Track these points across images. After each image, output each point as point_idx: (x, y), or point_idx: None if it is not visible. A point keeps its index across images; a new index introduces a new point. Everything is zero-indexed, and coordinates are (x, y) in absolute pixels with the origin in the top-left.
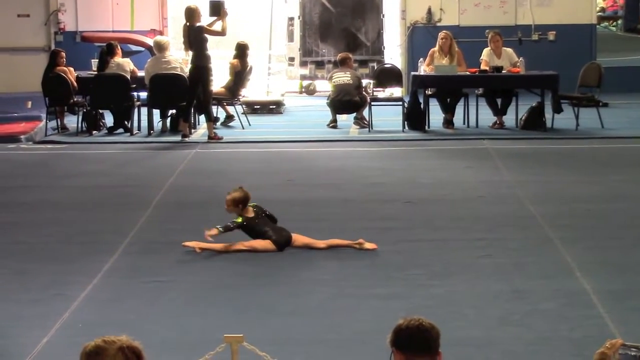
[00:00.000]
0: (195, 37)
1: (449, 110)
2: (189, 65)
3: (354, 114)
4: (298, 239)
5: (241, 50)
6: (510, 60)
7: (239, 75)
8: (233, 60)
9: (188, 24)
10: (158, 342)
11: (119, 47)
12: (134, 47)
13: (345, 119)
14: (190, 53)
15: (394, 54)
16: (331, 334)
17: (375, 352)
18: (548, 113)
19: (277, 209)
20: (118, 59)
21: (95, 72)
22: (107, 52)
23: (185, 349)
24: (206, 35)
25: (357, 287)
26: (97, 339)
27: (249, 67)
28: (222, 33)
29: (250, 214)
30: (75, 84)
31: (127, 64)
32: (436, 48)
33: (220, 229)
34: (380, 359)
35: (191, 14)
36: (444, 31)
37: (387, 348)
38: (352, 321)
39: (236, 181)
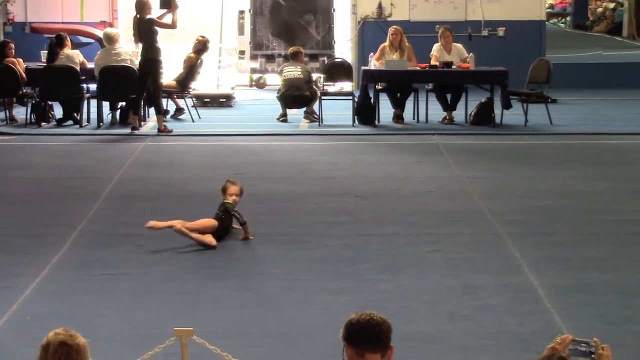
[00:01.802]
0: (145, 30)
1: (398, 105)
2: (139, 58)
3: (304, 108)
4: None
5: (201, 46)
6: (460, 55)
7: (192, 68)
8: (191, 55)
9: (138, 16)
10: (107, 336)
11: (68, 39)
12: (83, 39)
13: (296, 113)
14: (140, 45)
15: (344, 49)
16: (281, 328)
17: (325, 346)
18: (497, 109)
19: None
20: (67, 50)
21: (45, 64)
22: (57, 43)
23: (135, 343)
24: (156, 27)
25: (307, 281)
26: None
27: (200, 60)
28: (172, 26)
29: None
30: (24, 75)
31: (77, 56)
32: (386, 43)
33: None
34: (330, 353)
35: (141, 6)
36: (395, 26)
37: (337, 342)
38: (302, 315)
39: (186, 174)
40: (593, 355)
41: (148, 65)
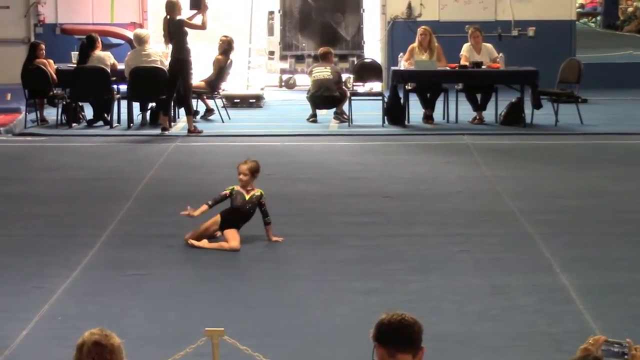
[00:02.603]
0: (175, 31)
1: (428, 105)
2: (169, 59)
3: (334, 109)
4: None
5: (227, 45)
6: (489, 55)
7: (222, 69)
8: (219, 57)
9: (168, 17)
10: (138, 336)
11: (99, 40)
12: (113, 40)
13: (325, 114)
14: (170, 46)
15: (374, 49)
16: (311, 328)
17: (355, 346)
18: (527, 109)
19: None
20: (99, 52)
21: (75, 65)
22: (88, 44)
23: (166, 343)
24: (186, 28)
25: (337, 282)
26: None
27: (229, 61)
28: (202, 27)
29: (246, 192)
30: (54, 76)
31: (108, 58)
32: (415, 43)
33: (210, 203)
34: (360, 353)
35: (172, 7)
36: (423, 26)
37: (367, 342)
38: (332, 315)
39: (216, 174)
40: (626, 356)
41: (178, 65)
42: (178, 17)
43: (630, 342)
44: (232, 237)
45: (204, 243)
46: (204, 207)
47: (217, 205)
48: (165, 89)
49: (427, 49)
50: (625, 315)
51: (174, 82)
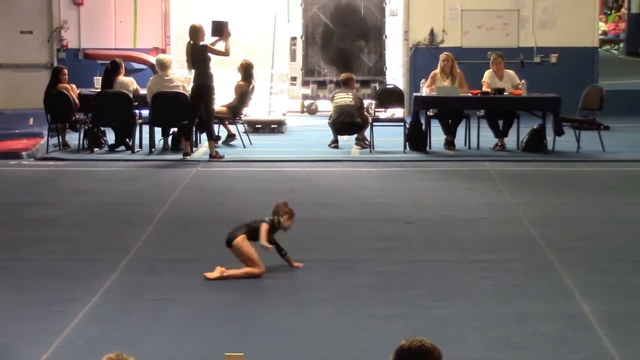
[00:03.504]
0: (198, 56)
1: (450, 131)
2: (191, 84)
3: (356, 135)
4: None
5: (247, 71)
6: (512, 82)
7: (244, 95)
8: (240, 82)
9: (192, 42)
10: None
11: (123, 66)
12: (136, 65)
13: (347, 139)
14: (193, 71)
15: (395, 75)
16: (332, 354)
17: None
18: (549, 135)
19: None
20: (122, 77)
21: (98, 90)
22: (113, 69)
23: None
24: (209, 54)
25: (358, 308)
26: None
27: (252, 86)
28: (225, 53)
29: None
30: (77, 101)
31: (131, 84)
32: (437, 70)
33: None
34: None
35: (195, 32)
36: (446, 53)
37: None
38: (353, 341)
39: (238, 200)
40: None
41: (201, 91)
42: (201, 43)
43: None
44: (257, 262)
45: (222, 272)
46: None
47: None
48: (187, 114)
49: (449, 75)
50: None
51: (196, 107)
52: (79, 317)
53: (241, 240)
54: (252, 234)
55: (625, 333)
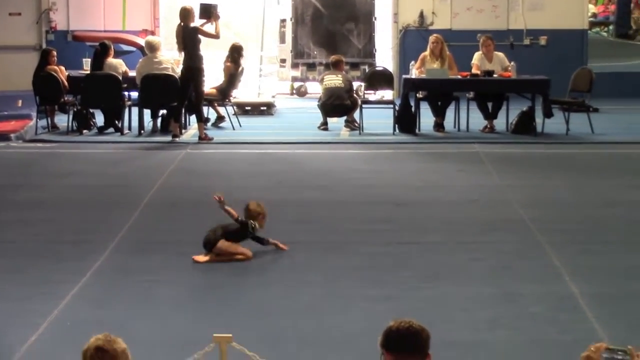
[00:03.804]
0: (189, 38)
1: (439, 113)
2: (181, 66)
3: (345, 117)
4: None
5: (236, 52)
6: (501, 64)
7: (232, 77)
8: (228, 64)
9: (182, 24)
10: (146, 342)
11: (112, 48)
12: (125, 47)
13: (336, 121)
14: (182, 53)
15: (385, 57)
16: (320, 335)
17: (364, 353)
18: (539, 118)
19: (268, 210)
20: (111, 59)
21: (87, 72)
22: (102, 52)
23: (174, 348)
24: (200, 36)
25: (347, 289)
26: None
27: (241, 69)
28: (216, 36)
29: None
30: (66, 83)
31: (120, 66)
32: (427, 52)
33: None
34: None
35: (186, 14)
36: (435, 35)
37: (376, 349)
38: (342, 322)
39: (226, 182)
40: None
41: (190, 73)
42: (192, 25)
43: (632, 349)
44: (243, 251)
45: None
46: (233, 212)
47: None
48: (177, 96)
49: (439, 57)
50: (635, 324)
51: (185, 89)
52: (67, 298)
53: (220, 244)
54: (229, 236)
55: (614, 314)
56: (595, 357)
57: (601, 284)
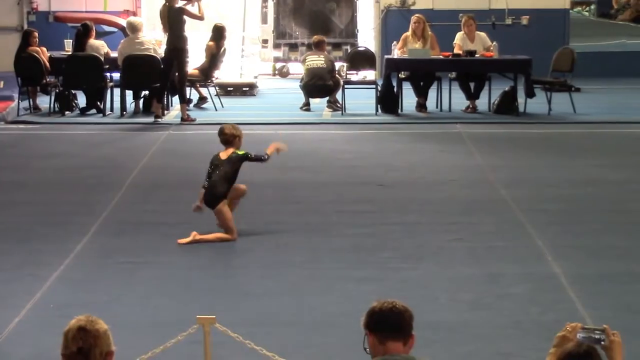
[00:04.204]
0: (174, 19)
1: (422, 94)
2: (163, 47)
3: (327, 97)
4: (221, 215)
5: (218, 32)
6: (483, 44)
7: (214, 57)
8: (210, 43)
9: (168, 4)
10: (130, 323)
11: (93, 29)
12: (107, 28)
13: (319, 102)
14: (166, 34)
15: (367, 37)
16: (303, 316)
17: (347, 334)
18: (521, 97)
19: (251, 192)
20: (93, 40)
21: (69, 53)
22: (84, 32)
23: (158, 330)
24: (185, 17)
25: (330, 270)
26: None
27: (223, 49)
28: (201, 17)
29: (227, 154)
30: (47, 64)
31: (102, 47)
32: (409, 32)
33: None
34: (353, 341)
35: None
36: (417, 15)
37: (359, 330)
38: (324, 303)
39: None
40: (603, 342)
41: (175, 53)
42: (177, 5)
43: (607, 328)
44: (232, 228)
45: (194, 236)
46: (201, 192)
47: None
48: (159, 76)
49: (421, 37)
50: (617, 304)
51: (168, 69)
52: (50, 280)
53: (222, 206)
54: (232, 180)
55: (596, 294)
56: (571, 337)
57: (583, 264)
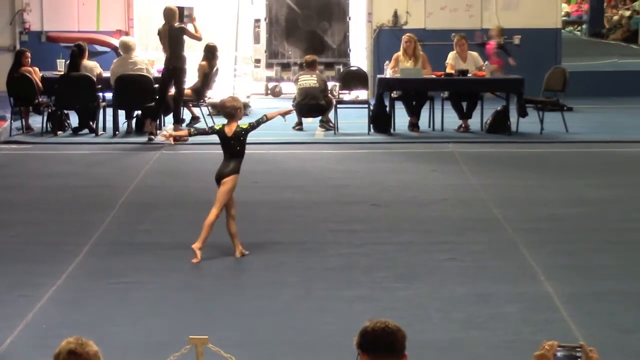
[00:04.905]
0: (175, 38)
1: (414, 113)
2: (156, 66)
3: (320, 117)
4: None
5: (210, 52)
6: (475, 63)
7: (206, 77)
8: (202, 62)
9: (168, 24)
10: (122, 344)
11: (87, 50)
12: (99, 48)
13: (311, 122)
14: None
15: (360, 57)
16: (297, 336)
17: (341, 354)
18: (513, 117)
19: (243, 211)
20: (86, 61)
21: (61, 72)
22: (79, 52)
23: (150, 351)
24: (185, 36)
25: (323, 290)
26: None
27: (215, 69)
28: (199, 38)
29: (231, 129)
30: (40, 84)
31: (95, 68)
32: (400, 52)
33: (193, 130)
34: None
35: (173, 14)
36: (408, 34)
37: (352, 350)
38: (318, 323)
39: (202, 182)
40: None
41: (173, 73)
42: (179, 25)
43: (584, 345)
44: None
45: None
46: (185, 131)
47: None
48: (152, 96)
49: (412, 56)
50: (609, 323)
51: (166, 89)
52: (43, 300)
53: (231, 180)
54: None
55: (588, 314)
56: (549, 355)
57: (576, 283)
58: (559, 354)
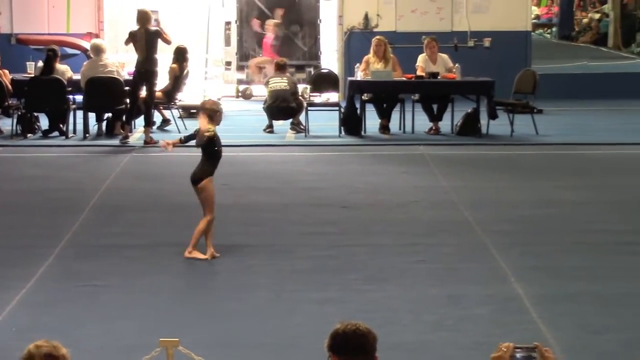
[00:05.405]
0: (150, 42)
1: (385, 115)
2: (126, 68)
3: (291, 119)
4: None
5: (180, 54)
6: (445, 66)
7: (177, 79)
8: (173, 65)
9: (143, 28)
10: (92, 347)
11: (59, 52)
12: (69, 50)
13: (282, 124)
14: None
15: (330, 60)
16: (267, 338)
17: (311, 356)
18: (483, 119)
19: (214, 213)
20: (58, 65)
21: (31, 75)
22: (53, 56)
23: (121, 353)
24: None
25: (293, 292)
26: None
27: (185, 71)
28: (170, 42)
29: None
30: (10, 86)
31: (66, 72)
32: (371, 54)
33: (183, 138)
34: None
35: (147, 17)
36: (378, 36)
37: (323, 352)
38: (288, 325)
39: (173, 185)
40: None
41: (146, 76)
42: (154, 28)
43: (539, 345)
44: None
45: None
46: (177, 140)
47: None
48: (123, 99)
49: (382, 58)
50: (579, 324)
51: (138, 91)
52: (12, 304)
53: (206, 182)
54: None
55: (558, 315)
56: (506, 357)
57: (546, 285)
58: (517, 355)
